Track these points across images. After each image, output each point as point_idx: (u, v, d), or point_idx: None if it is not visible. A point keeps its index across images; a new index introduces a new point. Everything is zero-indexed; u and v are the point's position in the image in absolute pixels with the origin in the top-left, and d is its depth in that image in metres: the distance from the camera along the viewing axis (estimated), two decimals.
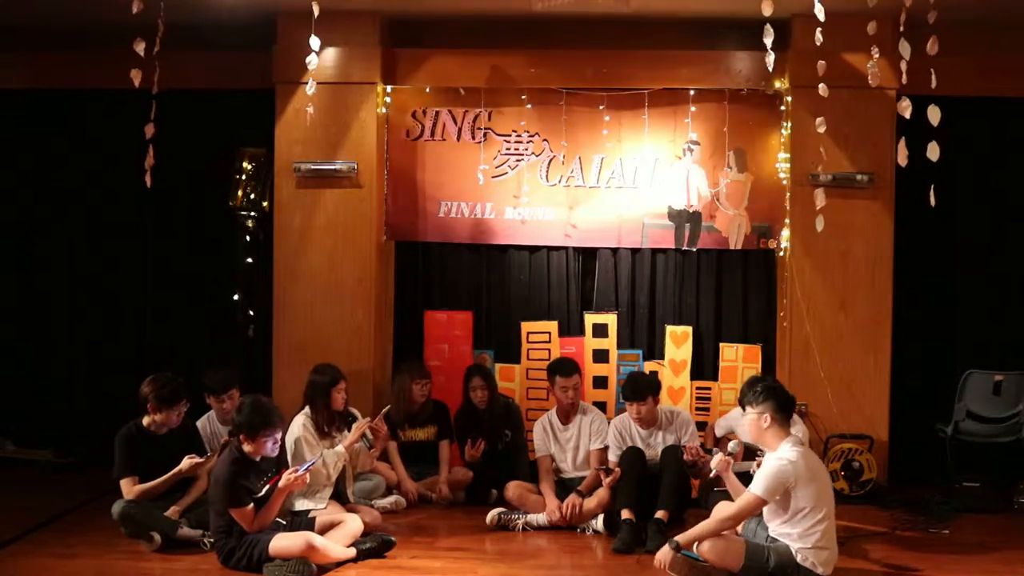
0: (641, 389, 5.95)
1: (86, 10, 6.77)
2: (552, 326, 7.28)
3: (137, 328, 7.56)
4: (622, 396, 6.01)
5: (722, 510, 4.88)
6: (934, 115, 4.59)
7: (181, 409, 5.62)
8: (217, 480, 5.04)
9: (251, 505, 5.00)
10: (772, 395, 4.83)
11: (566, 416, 6.29)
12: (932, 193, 4.67)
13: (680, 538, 4.70)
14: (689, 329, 7.21)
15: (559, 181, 7.22)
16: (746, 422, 4.90)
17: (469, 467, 6.59)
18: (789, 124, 6.90)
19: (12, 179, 7.62)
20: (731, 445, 5.10)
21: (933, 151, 4.64)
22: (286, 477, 5.06)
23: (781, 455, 4.71)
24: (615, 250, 7.30)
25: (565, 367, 6.27)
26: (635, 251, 7.29)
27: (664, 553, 4.69)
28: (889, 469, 6.83)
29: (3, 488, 6.74)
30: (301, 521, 5.26)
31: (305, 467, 5.17)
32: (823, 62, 4.85)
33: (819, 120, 5.26)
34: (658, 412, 6.04)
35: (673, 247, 7.22)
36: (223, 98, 7.29)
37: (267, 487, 5.04)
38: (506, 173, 7.25)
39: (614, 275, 7.32)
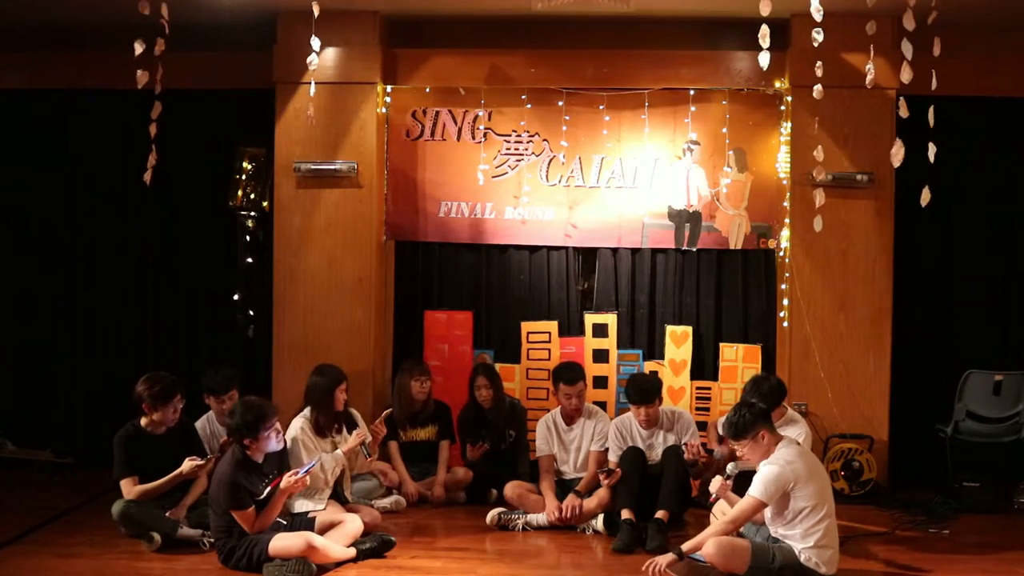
0: (648, 391, 5.93)
1: (86, 10, 6.77)
2: (552, 326, 7.28)
3: (137, 328, 7.55)
4: (628, 399, 6.00)
5: (722, 512, 4.87)
6: (931, 117, 4.60)
7: (177, 406, 5.61)
8: (219, 481, 5.03)
9: (252, 507, 5.00)
10: (756, 416, 4.81)
11: (570, 417, 6.28)
12: (925, 192, 4.67)
13: (684, 546, 4.70)
14: (689, 329, 7.21)
15: (559, 181, 7.22)
16: (748, 452, 4.82)
17: (469, 467, 6.59)
18: (789, 124, 6.90)
19: (11, 179, 7.62)
20: (729, 467, 5.07)
21: (932, 152, 4.65)
22: (286, 479, 5.06)
23: (779, 457, 4.71)
24: (615, 250, 7.29)
25: (569, 375, 6.22)
26: (635, 251, 7.29)
27: (666, 558, 4.68)
28: (889, 469, 6.83)
29: (3, 488, 6.74)
30: (301, 521, 5.26)
31: (305, 470, 5.17)
32: (820, 63, 4.85)
33: (816, 122, 5.26)
34: (659, 413, 6.03)
35: (673, 247, 7.22)
36: (223, 98, 7.29)
37: (268, 489, 5.05)
38: (506, 173, 7.25)
39: (614, 275, 7.32)
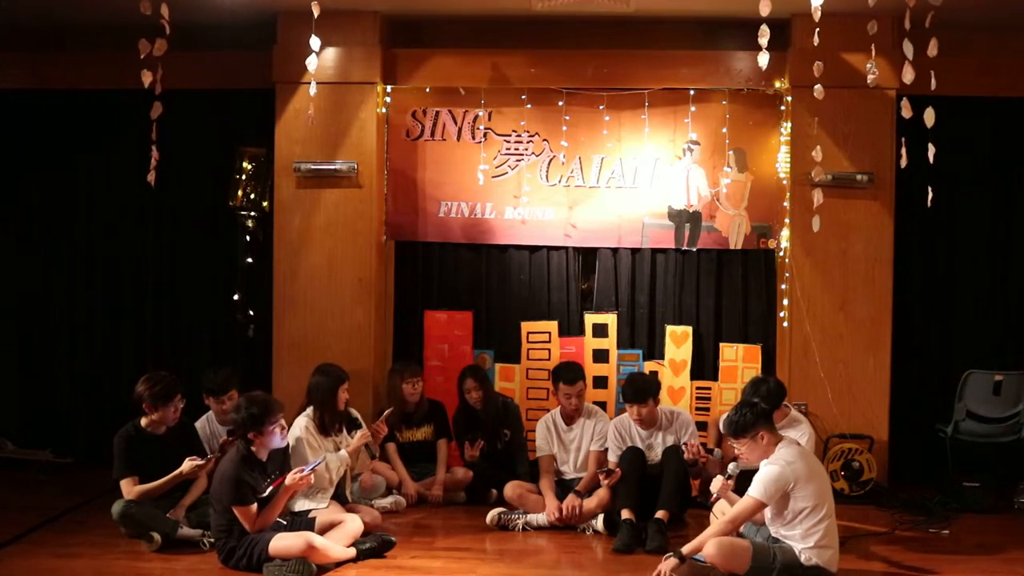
0: (641, 391, 5.93)
1: (87, 10, 6.78)
2: (552, 326, 7.28)
3: (137, 328, 7.56)
4: (622, 397, 6.00)
5: (722, 512, 4.87)
6: (930, 117, 4.61)
7: (177, 405, 5.61)
8: (222, 477, 5.03)
9: (254, 504, 5.00)
10: (757, 415, 4.80)
11: (570, 417, 6.28)
12: (930, 193, 4.68)
13: (684, 549, 4.70)
14: (689, 329, 7.21)
15: (559, 181, 7.22)
16: (746, 451, 4.81)
17: (469, 467, 6.59)
18: (789, 124, 6.90)
19: (11, 179, 7.62)
20: (731, 467, 5.07)
21: (932, 152, 4.65)
22: (291, 477, 5.06)
23: (779, 458, 4.71)
24: (615, 250, 7.29)
25: (569, 375, 6.21)
26: (635, 251, 7.29)
27: (667, 563, 4.68)
28: (889, 469, 6.82)
29: (3, 488, 6.74)
30: (301, 521, 5.26)
31: (310, 468, 5.17)
32: (820, 63, 4.85)
33: (816, 122, 5.26)
34: (658, 413, 6.03)
35: (673, 247, 7.22)
36: (223, 98, 7.28)
37: (271, 488, 5.05)
38: (506, 173, 7.25)
39: (614, 275, 7.32)
